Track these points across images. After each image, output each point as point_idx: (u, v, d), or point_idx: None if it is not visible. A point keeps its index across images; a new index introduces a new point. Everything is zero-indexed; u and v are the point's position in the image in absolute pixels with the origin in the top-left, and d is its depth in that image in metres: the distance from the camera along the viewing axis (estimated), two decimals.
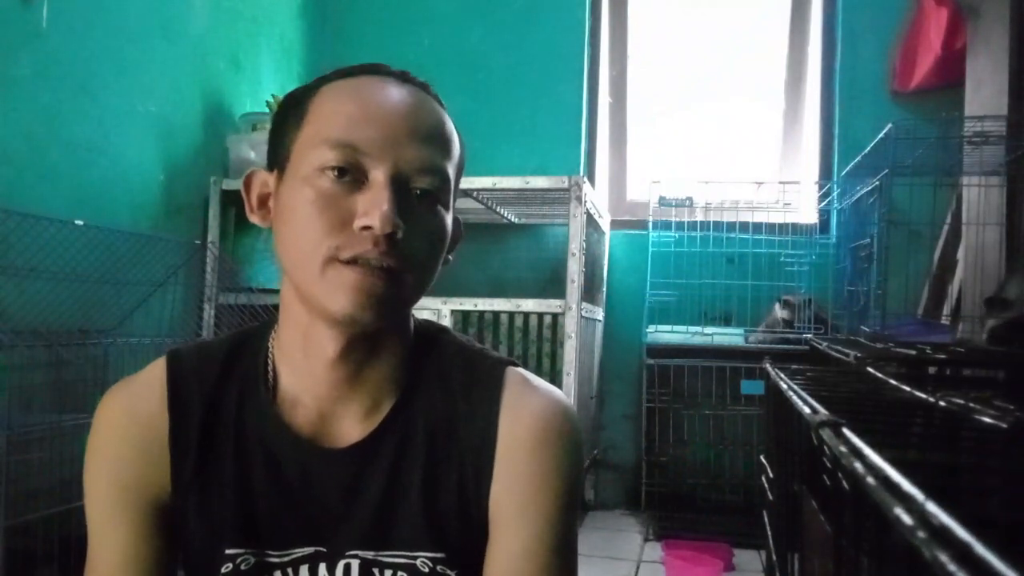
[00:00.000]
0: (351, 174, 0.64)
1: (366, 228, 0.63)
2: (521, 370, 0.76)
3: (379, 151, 0.64)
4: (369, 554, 0.70)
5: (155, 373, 0.73)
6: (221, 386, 0.72)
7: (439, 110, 0.71)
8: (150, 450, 0.70)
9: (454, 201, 0.73)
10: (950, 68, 2.42)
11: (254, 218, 0.72)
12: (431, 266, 0.69)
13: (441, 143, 0.69)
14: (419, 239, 0.66)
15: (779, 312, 2.61)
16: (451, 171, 0.70)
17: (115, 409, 0.72)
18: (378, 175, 0.64)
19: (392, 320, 0.69)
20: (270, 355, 0.74)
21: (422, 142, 0.66)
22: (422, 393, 0.73)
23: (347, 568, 0.70)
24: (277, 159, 0.70)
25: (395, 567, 0.70)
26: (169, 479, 0.70)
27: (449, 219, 0.71)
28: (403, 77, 0.70)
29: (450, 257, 0.74)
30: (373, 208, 0.63)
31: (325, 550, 0.70)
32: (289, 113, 0.70)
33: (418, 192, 0.66)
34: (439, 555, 0.70)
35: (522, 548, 0.69)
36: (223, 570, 0.68)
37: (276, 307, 0.74)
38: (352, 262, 0.63)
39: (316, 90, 0.69)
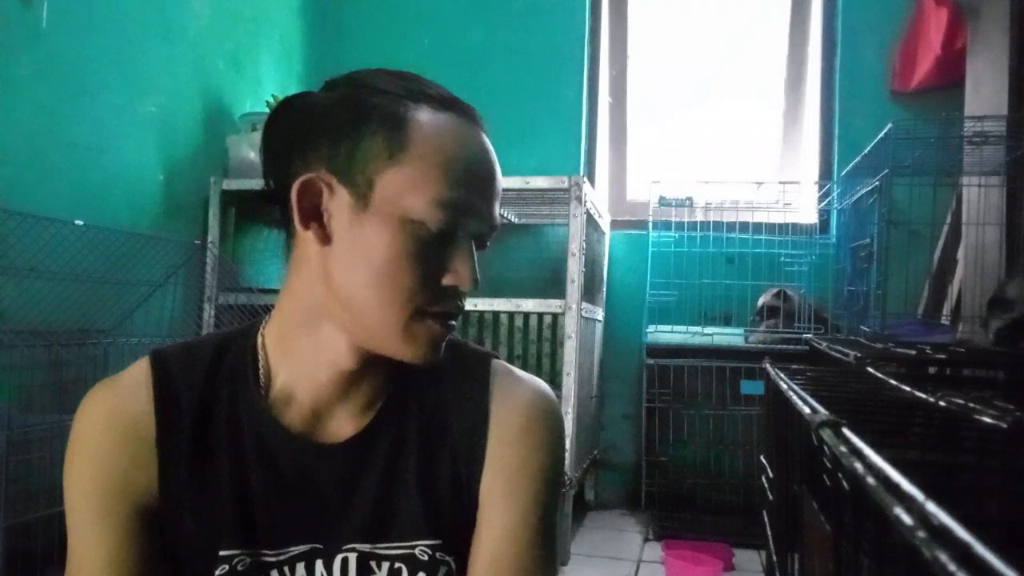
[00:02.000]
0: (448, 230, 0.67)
1: (453, 286, 0.67)
2: (504, 362, 0.80)
3: (473, 211, 0.67)
4: (366, 547, 0.71)
5: (139, 373, 0.71)
6: (211, 386, 0.72)
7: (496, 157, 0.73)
8: (136, 452, 0.69)
9: None
10: (950, 68, 2.42)
11: (308, 234, 0.67)
12: None
13: (501, 194, 0.72)
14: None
15: (764, 300, 2.60)
16: None
17: (99, 410, 0.70)
18: (467, 234, 0.68)
19: None
20: (261, 352, 0.73)
21: (496, 199, 0.71)
22: (414, 387, 0.75)
23: (344, 562, 0.70)
24: (350, 179, 0.65)
25: (392, 559, 0.71)
26: (155, 481, 0.69)
27: None
28: (474, 118, 0.72)
29: None
30: (463, 268, 0.67)
31: (321, 546, 0.71)
32: (371, 129, 0.65)
33: (478, 243, 0.70)
34: (436, 542, 0.71)
35: (508, 528, 0.72)
36: (218, 572, 0.68)
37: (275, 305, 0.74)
38: (435, 315, 0.67)
39: (406, 115, 0.66)
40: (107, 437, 0.69)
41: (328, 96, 0.69)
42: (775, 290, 2.60)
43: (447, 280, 0.67)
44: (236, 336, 0.76)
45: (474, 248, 0.69)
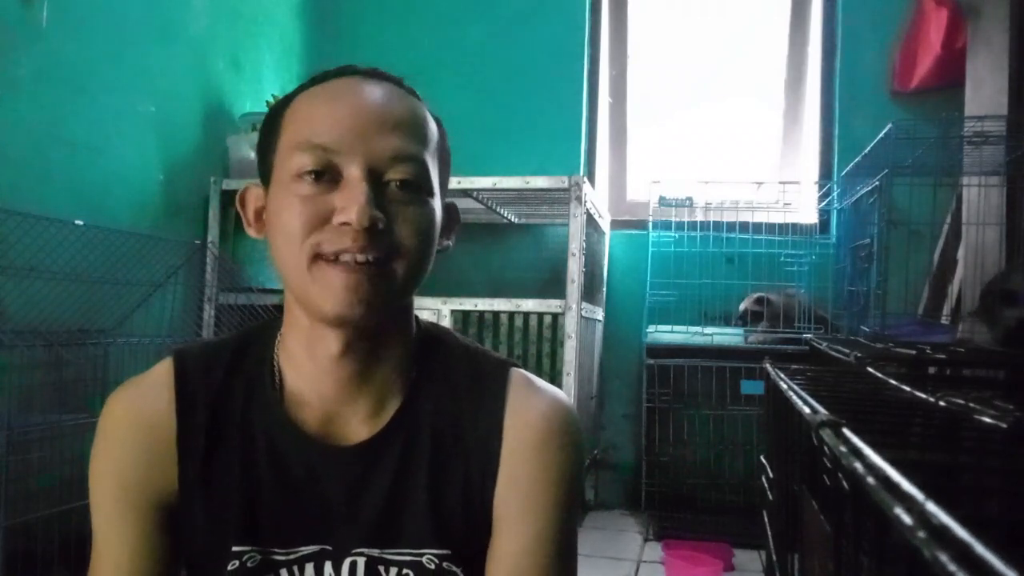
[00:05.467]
0: (327, 175, 0.66)
1: (345, 224, 0.64)
2: (523, 371, 0.77)
3: (349, 148, 0.65)
4: (375, 552, 0.71)
5: (161, 373, 0.73)
6: (228, 385, 0.73)
7: (409, 99, 0.71)
8: (157, 451, 0.71)
9: (442, 188, 0.73)
10: (950, 68, 2.42)
11: (251, 231, 0.74)
12: (422, 253, 0.69)
13: (412, 130, 0.69)
14: (404, 228, 0.67)
15: (746, 305, 2.59)
16: (428, 157, 0.70)
17: (122, 410, 0.72)
18: (352, 171, 0.65)
19: (387, 313, 0.69)
20: (276, 356, 0.74)
21: (392, 132, 0.67)
22: (428, 393, 0.74)
23: (352, 566, 0.70)
24: (264, 172, 0.72)
25: (400, 564, 0.70)
26: (175, 479, 0.71)
27: (436, 205, 0.71)
28: (373, 74, 0.71)
29: (449, 243, 0.75)
30: (349, 203, 0.64)
31: (331, 548, 0.71)
32: (269, 127, 0.72)
33: (397, 183, 0.67)
34: (445, 552, 0.71)
35: (524, 545, 0.70)
36: (229, 567, 0.69)
37: (276, 307, 0.76)
38: (335, 259, 0.64)
39: (290, 101, 0.71)
40: (129, 436, 0.71)
41: None
42: (756, 295, 2.59)
43: (337, 218, 0.64)
44: (258, 335, 0.77)
45: (368, 185, 0.64)
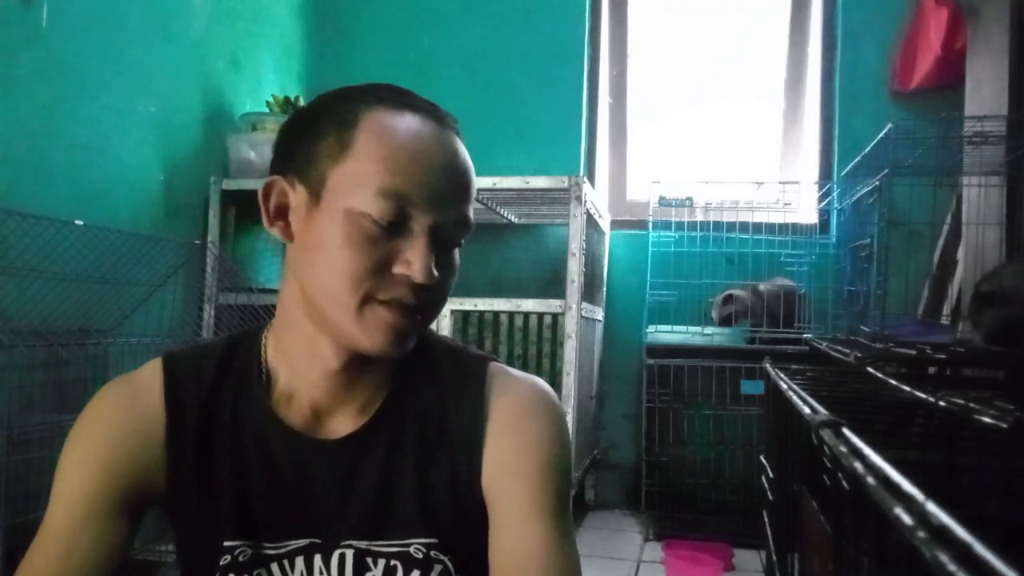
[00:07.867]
0: (394, 220, 0.67)
1: (405, 275, 0.66)
2: (502, 364, 0.81)
3: (425, 204, 0.67)
4: (363, 544, 0.72)
5: (152, 374, 0.75)
6: (217, 385, 0.75)
7: (467, 156, 0.73)
8: (147, 447, 0.72)
9: None
10: (950, 68, 2.43)
11: (274, 231, 0.71)
12: (446, 299, 0.74)
13: (471, 195, 0.72)
14: (445, 281, 0.70)
15: (717, 313, 2.58)
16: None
17: (115, 400, 0.74)
18: (420, 226, 0.67)
19: None
20: (264, 353, 0.76)
21: (460, 198, 0.70)
22: (412, 388, 0.77)
23: (341, 558, 0.72)
24: (307, 178, 0.69)
25: (388, 556, 0.72)
26: (160, 477, 0.72)
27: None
28: (440, 119, 0.71)
29: None
30: (416, 259, 0.66)
31: (320, 541, 0.72)
32: (326, 130, 0.68)
33: (449, 240, 0.70)
34: (432, 541, 0.72)
35: (518, 515, 0.71)
36: (221, 562, 0.70)
37: (276, 307, 0.76)
38: (388, 302, 0.67)
39: (359, 115, 0.68)
40: (121, 430, 0.72)
41: (305, 105, 0.75)
42: (723, 295, 2.57)
43: (397, 269, 0.66)
44: (244, 338, 0.79)
45: (430, 242, 0.67)
